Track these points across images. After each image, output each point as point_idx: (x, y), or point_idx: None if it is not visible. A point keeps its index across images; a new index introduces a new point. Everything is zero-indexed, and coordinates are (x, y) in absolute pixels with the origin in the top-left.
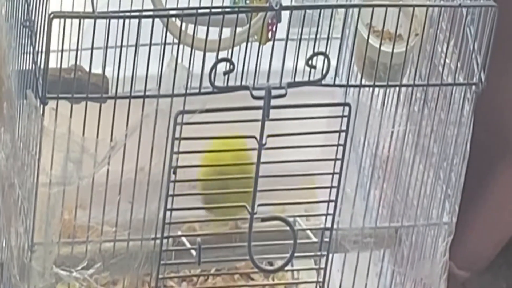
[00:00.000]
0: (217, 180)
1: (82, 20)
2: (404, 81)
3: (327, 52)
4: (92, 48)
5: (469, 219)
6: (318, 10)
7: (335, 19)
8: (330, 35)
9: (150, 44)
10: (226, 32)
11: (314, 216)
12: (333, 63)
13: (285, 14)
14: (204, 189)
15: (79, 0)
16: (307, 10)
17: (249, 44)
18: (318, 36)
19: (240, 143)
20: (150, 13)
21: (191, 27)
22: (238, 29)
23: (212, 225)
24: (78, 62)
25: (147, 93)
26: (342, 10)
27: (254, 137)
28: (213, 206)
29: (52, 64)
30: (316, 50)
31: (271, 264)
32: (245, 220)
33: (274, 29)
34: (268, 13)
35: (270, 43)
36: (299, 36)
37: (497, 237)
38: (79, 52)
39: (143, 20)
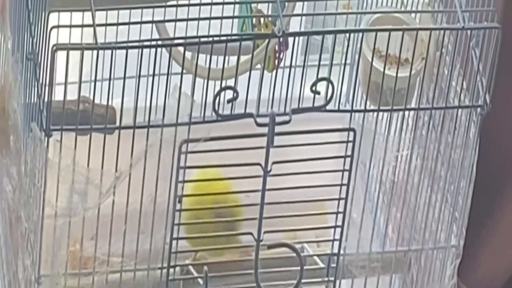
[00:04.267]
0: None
1: (94, 52)
2: (412, 105)
3: (338, 78)
4: (95, 80)
5: (481, 242)
6: (328, 36)
7: (346, 45)
8: (332, 61)
9: (154, 74)
10: (235, 60)
11: (321, 242)
12: (344, 88)
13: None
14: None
15: (87, 33)
16: (316, 37)
17: (259, 72)
18: (329, 62)
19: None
20: (154, 42)
21: (201, 56)
22: (245, 57)
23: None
24: (90, 94)
25: (151, 123)
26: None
27: (259, 164)
28: (221, 234)
29: (60, 96)
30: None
31: None
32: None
33: (281, 56)
34: (275, 40)
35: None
36: (305, 63)
37: (510, 259)
38: (88, 84)
39: (152, 50)
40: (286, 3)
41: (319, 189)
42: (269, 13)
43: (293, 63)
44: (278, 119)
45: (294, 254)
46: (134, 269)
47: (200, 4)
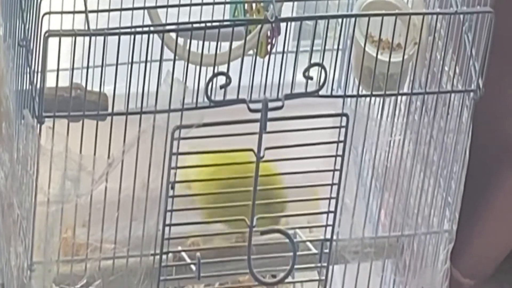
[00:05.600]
0: (219, 194)
1: (86, 38)
2: (404, 90)
3: (330, 64)
4: (87, 66)
5: (473, 227)
6: (320, 22)
7: (338, 31)
8: (324, 46)
9: (146, 60)
10: (227, 46)
11: (314, 227)
12: (337, 74)
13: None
14: (206, 203)
15: (79, 19)
16: (308, 23)
17: (251, 57)
18: (321, 48)
19: (240, 156)
20: (146, 28)
21: (193, 42)
22: (237, 43)
23: (215, 239)
24: (82, 81)
25: (143, 109)
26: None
27: (251, 150)
28: (213, 220)
29: (52, 83)
30: (316, 62)
31: (275, 277)
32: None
33: (273, 42)
34: (268, 26)
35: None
36: (297, 48)
37: (503, 244)
38: (80, 71)
39: (144, 36)
40: None
41: (311, 175)
42: None
43: (286, 49)
44: (271, 104)
45: (287, 240)
46: (127, 255)
47: None
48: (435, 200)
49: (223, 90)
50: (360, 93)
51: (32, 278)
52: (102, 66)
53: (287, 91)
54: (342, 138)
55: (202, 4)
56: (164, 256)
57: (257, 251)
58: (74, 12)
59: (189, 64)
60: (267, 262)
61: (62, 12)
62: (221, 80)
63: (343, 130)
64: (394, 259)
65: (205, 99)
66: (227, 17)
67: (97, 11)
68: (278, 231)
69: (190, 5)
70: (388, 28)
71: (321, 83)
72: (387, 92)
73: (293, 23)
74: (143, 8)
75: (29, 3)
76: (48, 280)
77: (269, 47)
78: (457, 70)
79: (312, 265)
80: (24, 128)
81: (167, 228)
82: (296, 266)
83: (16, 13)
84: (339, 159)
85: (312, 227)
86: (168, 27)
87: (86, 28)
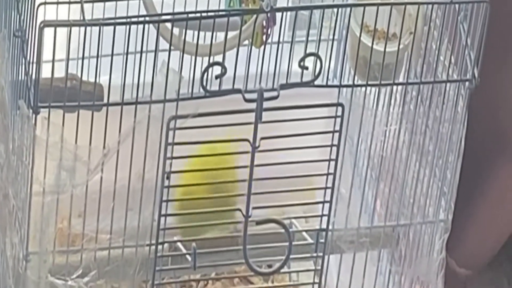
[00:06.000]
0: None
1: (81, 29)
2: (400, 80)
3: (325, 54)
4: (83, 57)
5: (469, 217)
6: (316, 12)
7: (334, 20)
8: (320, 36)
9: (141, 51)
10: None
11: (309, 217)
12: (332, 64)
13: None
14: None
15: (75, 9)
16: (304, 12)
17: (247, 47)
18: (316, 38)
19: (225, 147)
20: (141, 19)
21: (189, 32)
22: (232, 33)
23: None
24: (77, 71)
25: (139, 100)
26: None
27: (247, 140)
28: (208, 210)
29: (48, 73)
30: (311, 52)
31: (270, 267)
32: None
33: (269, 31)
34: (263, 16)
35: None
36: (293, 38)
37: (498, 234)
38: (76, 61)
39: (140, 26)
40: None
41: (307, 165)
42: None
43: (281, 39)
44: (266, 94)
45: (283, 230)
46: (122, 246)
47: None
48: (430, 190)
49: (218, 80)
50: (355, 83)
51: (27, 268)
52: (97, 57)
53: (282, 81)
54: (337, 128)
55: None
56: (159, 246)
57: (253, 241)
58: (69, 3)
59: (185, 54)
60: (263, 252)
61: (57, 3)
62: (217, 70)
63: (338, 120)
64: (390, 249)
65: (201, 89)
66: (222, 7)
67: (93, 1)
68: (274, 221)
69: None
70: (384, 18)
71: (316, 73)
72: (383, 82)
73: (288, 13)
74: None
75: None
76: (44, 270)
77: (264, 37)
78: (453, 60)
79: (308, 255)
80: (20, 119)
81: (162, 218)
82: (291, 256)
83: (12, 4)
84: (334, 149)
85: (307, 217)
86: (163, 17)
87: (82, 18)
